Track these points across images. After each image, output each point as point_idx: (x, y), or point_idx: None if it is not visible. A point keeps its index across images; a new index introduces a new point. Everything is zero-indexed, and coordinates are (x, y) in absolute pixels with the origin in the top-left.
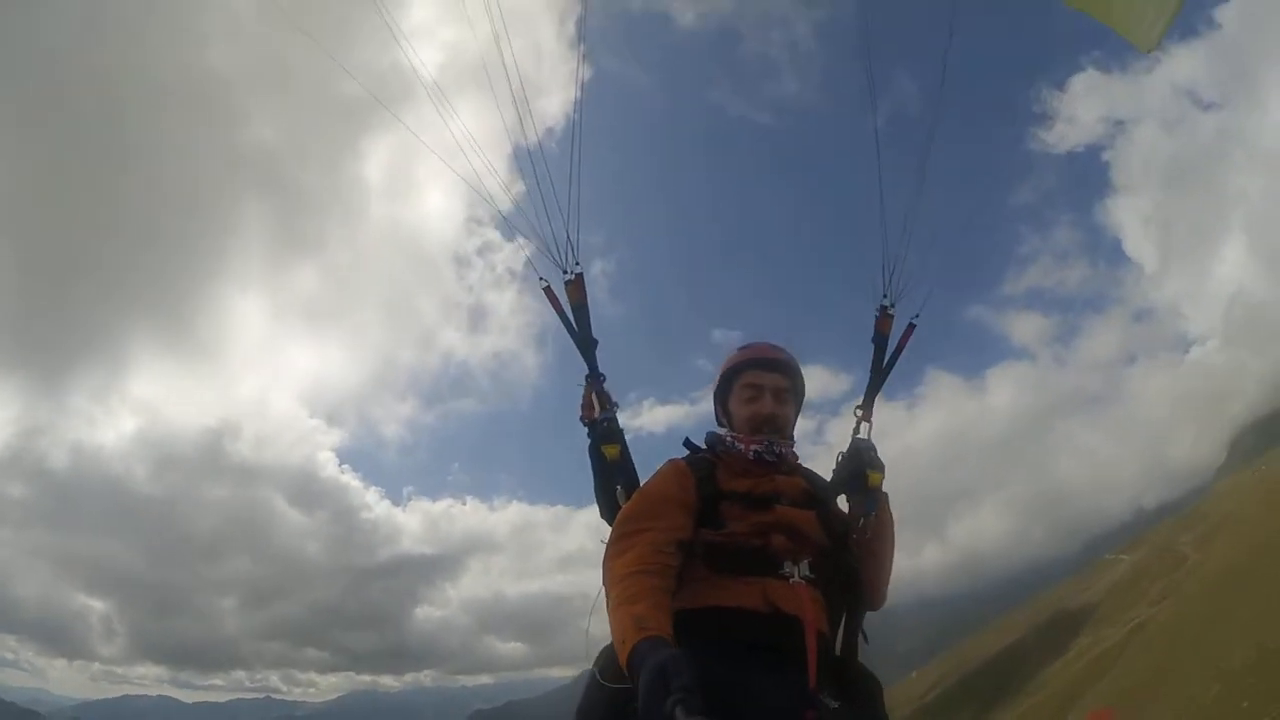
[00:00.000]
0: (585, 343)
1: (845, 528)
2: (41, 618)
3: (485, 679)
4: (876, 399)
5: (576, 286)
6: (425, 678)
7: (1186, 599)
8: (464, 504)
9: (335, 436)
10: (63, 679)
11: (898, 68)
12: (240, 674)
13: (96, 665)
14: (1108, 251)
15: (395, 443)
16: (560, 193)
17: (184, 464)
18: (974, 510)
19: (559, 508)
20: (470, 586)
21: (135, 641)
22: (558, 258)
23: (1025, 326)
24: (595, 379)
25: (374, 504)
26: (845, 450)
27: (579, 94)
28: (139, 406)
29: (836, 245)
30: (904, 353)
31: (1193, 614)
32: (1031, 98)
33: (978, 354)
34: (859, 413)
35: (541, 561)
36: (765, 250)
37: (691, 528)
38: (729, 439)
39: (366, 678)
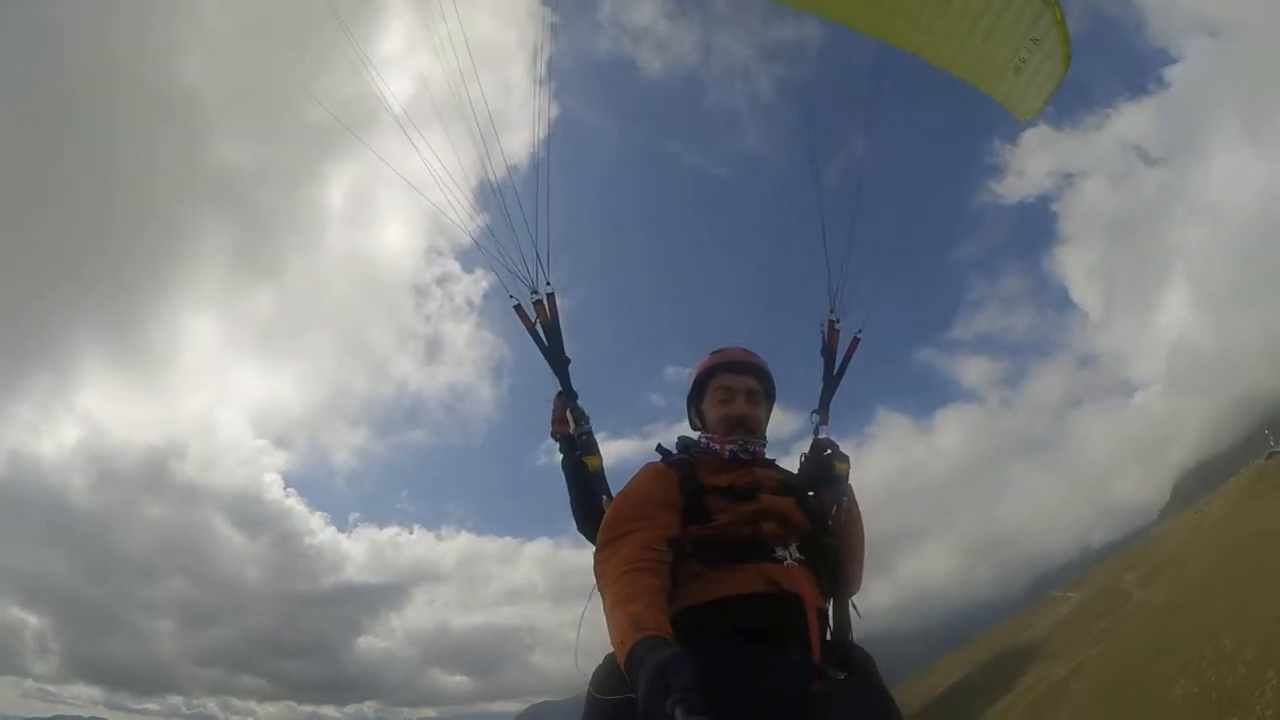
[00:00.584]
0: (557, 360)
1: (823, 513)
2: None
3: (429, 712)
4: (831, 403)
5: (547, 305)
6: (368, 709)
7: (1129, 636)
8: (411, 533)
9: (282, 459)
10: None
11: (855, 122)
12: (177, 699)
13: (29, 682)
14: (1055, 299)
15: (344, 470)
16: (529, 215)
17: (126, 480)
18: (922, 549)
19: (507, 539)
20: (415, 617)
21: (70, 660)
22: (528, 279)
23: (974, 370)
24: (569, 396)
25: (319, 530)
26: (807, 451)
27: (543, 105)
28: (84, 419)
29: (784, 291)
30: (850, 362)
31: (1135, 651)
32: (984, 150)
33: (927, 396)
34: (816, 417)
35: (488, 594)
36: (717, 294)
37: (679, 525)
38: (703, 440)
39: (308, 708)
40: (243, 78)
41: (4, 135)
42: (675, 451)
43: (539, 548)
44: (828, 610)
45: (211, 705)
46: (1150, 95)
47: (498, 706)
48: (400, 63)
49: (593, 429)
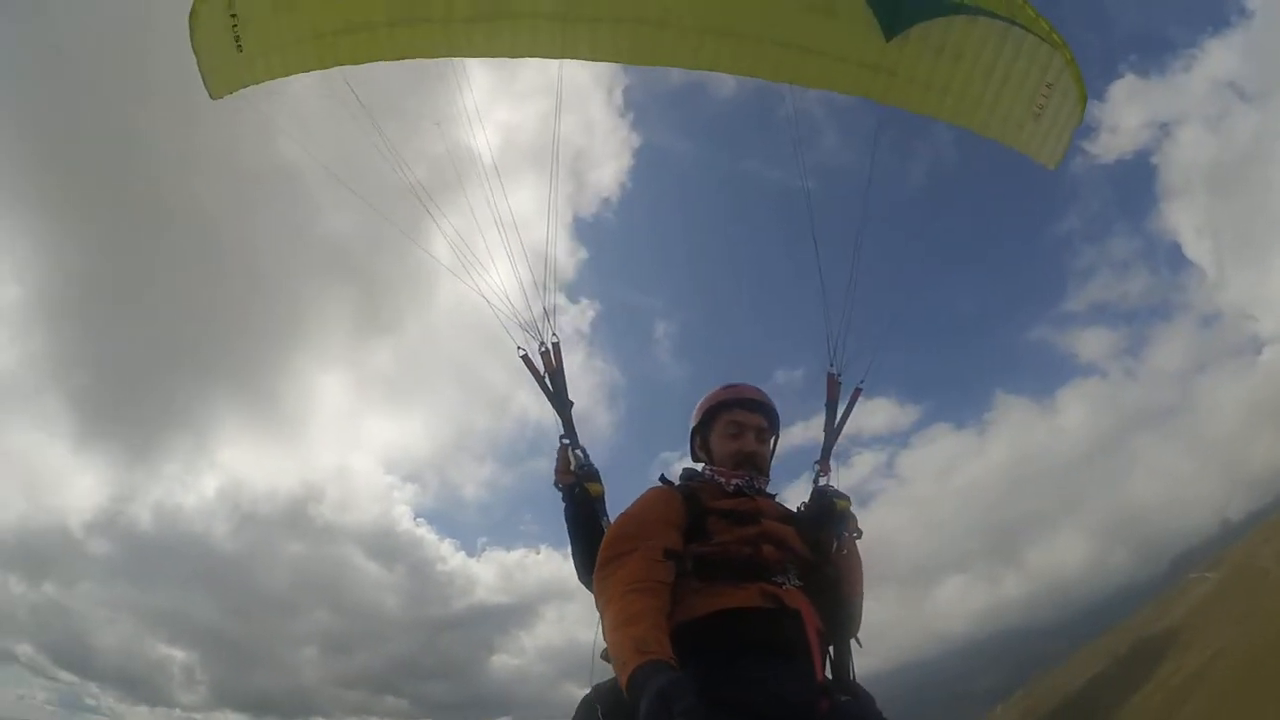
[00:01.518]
0: (561, 404)
1: (824, 544)
2: (123, 667)
3: None
4: (832, 454)
5: (552, 355)
6: None
7: (1269, 617)
8: (538, 553)
9: (411, 494)
10: None
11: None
12: None
13: (178, 712)
14: (1167, 257)
15: (472, 501)
16: (538, 270)
17: (266, 524)
18: (1053, 537)
19: None
20: (545, 634)
21: (216, 690)
22: (537, 331)
23: (1092, 342)
24: (572, 441)
25: (449, 556)
26: (807, 499)
27: (555, 171)
28: (224, 472)
29: (870, 284)
30: (851, 414)
31: (1273, 634)
32: None
33: (1046, 375)
34: (817, 467)
35: None
36: (813, 297)
37: (681, 542)
38: (708, 472)
39: None
40: (338, 151)
41: (134, 230)
42: (676, 482)
43: None
44: (826, 633)
45: None
46: (1234, 27)
47: None
48: (485, 113)
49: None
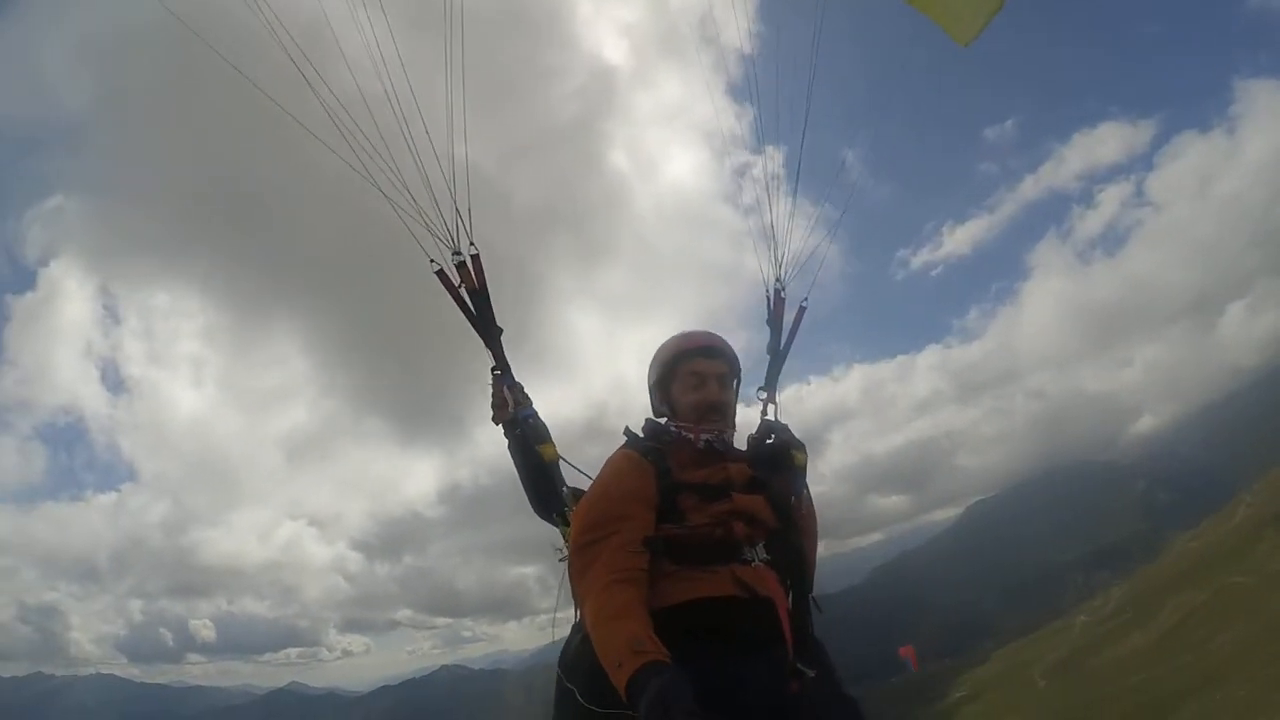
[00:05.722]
0: (488, 332)
1: (790, 508)
2: (486, 596)
3: (876, 536)
4: (779, 381)
5: (471, 269)
6: (821, 547)
7: None
8: (809, 384)
9: None
10: (516, 637)
11: None
12: None
13: (542, 617)
14: None
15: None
16: (445, 161)
17: (566, 446)
18: None
19: (899, 359)
20: (838, 457)
21: (568, 589)
22: (449, 238)
23: None
24: (504, 372)
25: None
26: (755, 431)
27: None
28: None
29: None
30: (798, 334)
31: None
32: None
33: None
34: (762, 395)
35: (897, 414)
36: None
37: (654, 523)
38: (674, 428)
39: None
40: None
41: (365, 260)
42: (643, 437)
43: (930, 356)
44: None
45: None
46: None
47: (938, 514)
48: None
49: (535, 410)
